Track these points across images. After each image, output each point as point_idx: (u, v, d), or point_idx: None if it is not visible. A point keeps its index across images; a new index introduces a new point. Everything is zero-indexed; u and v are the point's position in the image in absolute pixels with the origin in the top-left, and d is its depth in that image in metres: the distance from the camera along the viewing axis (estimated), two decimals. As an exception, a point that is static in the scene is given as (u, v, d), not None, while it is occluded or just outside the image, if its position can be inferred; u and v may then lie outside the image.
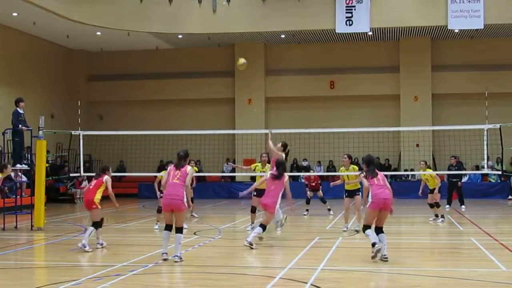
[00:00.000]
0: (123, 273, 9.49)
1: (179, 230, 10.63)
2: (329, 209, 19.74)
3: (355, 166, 15.45)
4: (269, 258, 11.71)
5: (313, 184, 20.59)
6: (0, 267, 10.32)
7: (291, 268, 9.92)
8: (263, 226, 12.53)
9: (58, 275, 9.65)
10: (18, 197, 17.56)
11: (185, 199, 10.56)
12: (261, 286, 8.52)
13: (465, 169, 26.02)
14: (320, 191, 20.48)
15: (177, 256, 10.46)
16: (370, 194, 10.79)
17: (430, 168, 18.96)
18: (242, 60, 16.66)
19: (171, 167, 10.89)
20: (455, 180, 22.51)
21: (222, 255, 11.95)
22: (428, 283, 8.91)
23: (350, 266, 10.12)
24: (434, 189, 17.65)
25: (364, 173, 11.06)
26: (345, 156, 15.40)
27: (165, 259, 10.47)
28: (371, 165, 11.12)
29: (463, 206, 22.01)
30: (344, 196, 15.33)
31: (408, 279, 9.21)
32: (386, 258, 10.48)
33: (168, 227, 10.70)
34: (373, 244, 10.46)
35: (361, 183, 12.75)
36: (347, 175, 15.00)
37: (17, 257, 11.92)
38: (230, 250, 12.74)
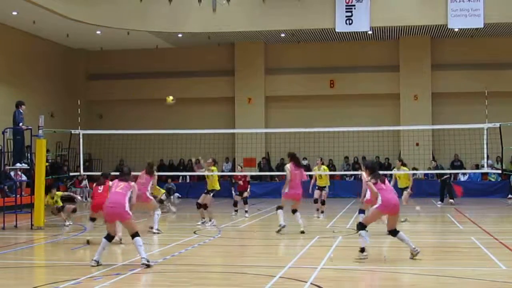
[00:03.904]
0: (123, 272, 9.49)
1: (135, 235, 10.03)
2: (246, 211, 19.10)
3: (325, 167, 19.60)
4: (269, 257, 11.72)
5: (241, 183, 19.56)
6: (0, 266, 10.32)
7: (291, 267, 9.92)
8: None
9: (58, 274, 9.65)
10: (18, 196, 17.55)
11: (127, 207, 10.15)
12: (261, 285, 8.51)
13: (464, 168, 26.11)
14: (248, 191, 19.60)
15: (143, 258, 9.84)
16: (380, 197, 10.62)
17: (406, 166, 19.15)
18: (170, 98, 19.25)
19: (115, 181, 10.60)
20: (444, 178, 23.62)
21: (222, 254, 11.96)
22: (428, 282, 8.91)
23: (350, 265, 10.12)
24: (407, 187, 17.85)
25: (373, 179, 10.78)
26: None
27: (93, 266, 9.86)
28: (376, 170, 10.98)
29: (451, 200, 23.33)
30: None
31: (408, 278, 9.22)
32: (417, 250, 10.64)
33: (109, 237, 10.17)
34: (363, 250, 10.43)
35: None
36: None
37: (17, 256, 11.92)
38: (230, 249, 12.75)
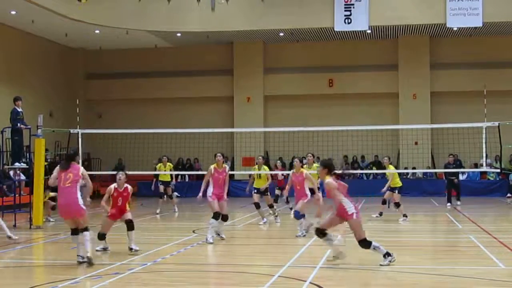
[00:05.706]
0: (122, 271, 9.48)
1: (85, 229, 10.01)
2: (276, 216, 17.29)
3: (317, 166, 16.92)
4: (268, 257, 11.72)
5: (281, 179, 18.60)
6: (-1, 265, 10.32)
7: (290, 266, 9.92)
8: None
9: (57, 273, 9.64)
10: (16, 195, 17.54)
11: (81, 202, 9.95)
12: (260, 284, 8.51)
13: (463, 167, 26.08)
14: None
15: (88, 253, 9.85)
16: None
17: (392, 165, 19.05)
18: None
19: (58, 171, 10.04)
20: (452, 177, 22.80)
21: (221, 254, 11.96)
22: (427, 281, 8.91)
23: (349, 264, 10.11)
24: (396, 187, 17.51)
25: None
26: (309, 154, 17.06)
27: (80, 262, 9.98)
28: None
29: (458, 202, 22.55)
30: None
31: (406, 277, 9.22)
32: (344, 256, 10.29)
33: (75, 231, 10.25)
34: (388, 254, 9.95)
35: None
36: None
37: (16, 255, 11.91)
38: (229, 249, 12.75)
